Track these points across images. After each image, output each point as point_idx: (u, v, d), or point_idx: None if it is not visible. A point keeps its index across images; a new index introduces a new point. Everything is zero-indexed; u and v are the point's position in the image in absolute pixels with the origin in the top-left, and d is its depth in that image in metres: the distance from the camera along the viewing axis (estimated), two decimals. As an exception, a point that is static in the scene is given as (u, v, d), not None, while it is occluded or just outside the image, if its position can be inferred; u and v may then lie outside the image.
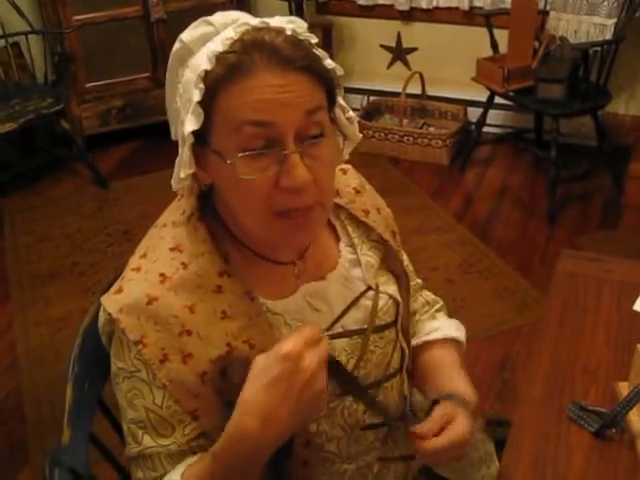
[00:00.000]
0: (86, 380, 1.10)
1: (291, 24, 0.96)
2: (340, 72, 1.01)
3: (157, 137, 4.18)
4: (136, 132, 4.16)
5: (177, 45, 0.98)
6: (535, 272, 3.06)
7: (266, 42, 0.92)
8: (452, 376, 1.22)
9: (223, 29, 0.95)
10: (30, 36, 3.73)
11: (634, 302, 1.40)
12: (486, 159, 4.03)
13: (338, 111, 1.04)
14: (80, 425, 1.05)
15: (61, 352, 2.71)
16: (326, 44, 4.26)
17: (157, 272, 0.99)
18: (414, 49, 4.33)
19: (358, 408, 1.12)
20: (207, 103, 0.93)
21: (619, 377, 1.22)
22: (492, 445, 1.38)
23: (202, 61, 0.92)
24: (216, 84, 0.92)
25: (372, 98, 4.37)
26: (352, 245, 1.16)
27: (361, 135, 1.09)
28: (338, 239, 1.16)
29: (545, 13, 3.61)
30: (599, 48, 3.36)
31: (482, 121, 3.78)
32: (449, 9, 4.13)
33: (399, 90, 4.02)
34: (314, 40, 0.98)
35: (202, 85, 0.92)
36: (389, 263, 1.20)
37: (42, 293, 3.11)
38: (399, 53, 4.39)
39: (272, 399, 0.86)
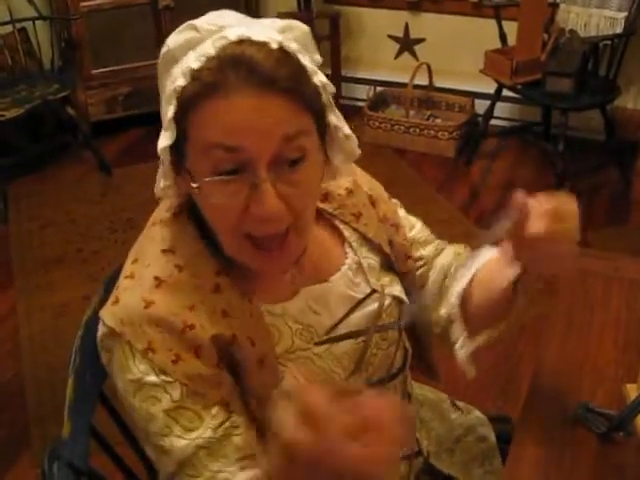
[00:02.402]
0: (87, 371, 1.08)
1: (286, 33, 0.91)
2: (331, 90, 0.95)
3: (161, 125, 4.20)
4: (141, 119, 4.12)
5: (164, 49, 0.93)
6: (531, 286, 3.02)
7: (244, 59, 0.86)
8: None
9: (208, 36, 0.89)
10: (37, 22, 3.74)
11: (643, 301, 1.39)
12: (493, 152, 4.01)
13: (332, 130, 0.98)
14: (81, 418, 1.03)
15: (63, 338, 2.70)
16: (333, 34, 4.25)
17: (151, 276, 0.95)
18: (422, 40, 4.30)
19: None
20: (180, 120, 0.89)
21: (627, 378, 1.20)
22: (494, 441, 1.37)
23: (178, 75, 0.89)
24: (188, 102, 0.88)
25: (379, 88, 4.35)
26: (352, 248, 1.13)
27: (359, 151, 1.03)
28: (342, 242, 1.13)
29: (555, 5, 3.58)
30: (609, 42, 3.34)
31: (489, 114, 3.76)
32: (458, 0, 4.10)
33: (406, 81, 4.00)
34: (309, 52, 0.93)
35: (175, 101, 0.89)
36: (388, 262, 1.17)
37: (45, 279, 3.11)
38: (407, 44, 4.36)
39: None
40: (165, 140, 0.91)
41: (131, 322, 0.92)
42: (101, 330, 0.96)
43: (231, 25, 0.90)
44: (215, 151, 0.87)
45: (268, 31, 0.89)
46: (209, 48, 0.87)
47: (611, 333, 1.33)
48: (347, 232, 1.13)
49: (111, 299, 0.97)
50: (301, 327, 1.02)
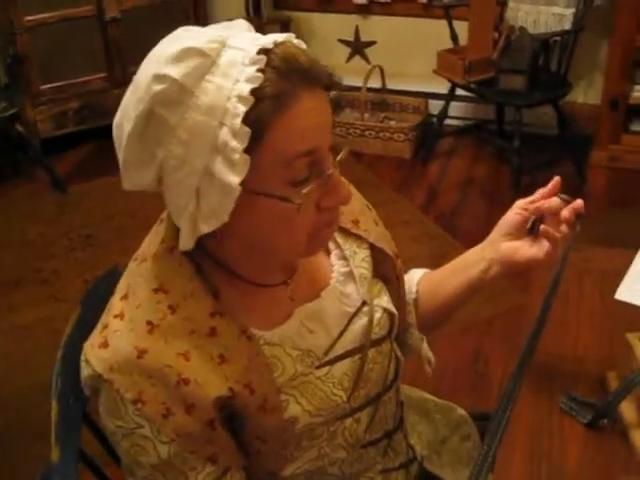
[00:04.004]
0: (70, 394, 1.05)
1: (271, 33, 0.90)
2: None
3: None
4: (93, 134, 4.06)
5: (159, 85, 0.83)
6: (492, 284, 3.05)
7: (295, 62, 0.85)
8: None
9: (216, 56, 0.84)
10: (-20, 38, 3.65)
11: (615, 291, 1.40)
12: (449, 151, 4.05)
13: None
14: (68, 442, 1.00)
15: (29, 361, 2.64)
16: (285, 40, 4.23)
17: (143, 320, 0.91)
18: (373, 42, 4.32)
19: (359, 427, 1.08)
20: (248, 146, 0.84)
21: (607, 366, 1.21)
22: (478, 439, 1.37)
23: (224, 101, 0.83)
24: (262, 123, 0.83)
25: (332, 93, 4.34)
26: (344, 257, 1.11)
27: None
28: (329, 253, 1.11)
29: (504, 4, 3.62)
30: (559, 38, 3.39)
31: (444, 113, 3.79)
32: (407, 2, 4.14)
33: (359, 84, 4.01)
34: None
35: (246, 129, 0.82)
36: (381, 269, 1.16)
37: (5, 302, 3.02)
38: (358, 47, 4.38)
39: None
40: (236, 176, 0.84)
41: (121, 371, 0.89)
42: (87, 372, 0.92)
43: (228, 36, 0.87)
44: (298, 161, 0.86)
45: (255, 35, 0.89)
46: (251, 63, 0.83)
47: (587, 323, 1.34)
48: (341, 240, 1.12)
49: (98, 338, 0.93)
50: (301, 353, 1.00)
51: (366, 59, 4.36)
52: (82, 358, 0.94)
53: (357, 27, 4.31)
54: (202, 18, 4.21)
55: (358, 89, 4.04)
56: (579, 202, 1.11)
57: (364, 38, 4.33)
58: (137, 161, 0.89)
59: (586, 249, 1.53)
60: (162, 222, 1.00)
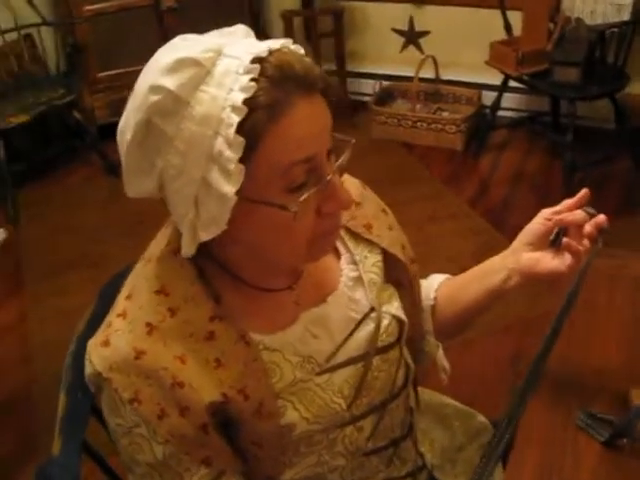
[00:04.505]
0: (79, 388, 1.06)
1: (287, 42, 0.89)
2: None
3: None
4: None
5: (154, 96, 0.83)
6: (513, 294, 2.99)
7: (289, 69, 0.84)
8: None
9: (211, 66, 0.85)
10: (42, 28, 3.75)
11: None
12: (501, 144, 3.98)
13: None
14: (73, 434, 1.02)
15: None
16: (337, 29, 4.22)
17: (143, 321, 0.92)
18: (426, 32, 4.27)
19: (360, 436, 1.08)
20: (243, 156, 0.84)
21: (631, 381, 1.17)
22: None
23: (219, 111, 0.83)
24: (256, 132, 0.83)
25: (384, 83, 4.32)
26: (354, 262, 1.10)
27: None
28: (339, 256, 1.10)
29: (560, -6, 3.53)
30: (616, 29, 3.29)
31: (497, 105, 3.73)
32: (462, -9, 4.06)
33: (412, 74, 3.97)
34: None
35: (240, 138, 0.82)
36: (394, 274, 1.15)
37: (56, 285, 3.11)
38: (411, 37, 4.33)
39: None
40: (230, 186, 0.84)
41: (119, 370, 0.90)
42: (89, 369, 0.94)
43: (224, 44, 0.87)
44: (294, 169, 0.86)
45: (252, 42, 0.89)
46: (245, 72, 0.83)
47: (615, 335, 1.30)
48: (351, 245, 1.11)
49: (101, 336, 0.95)
50: (301, 359, 1.00)
51: (420, 49, 4.32)
52: (86, 356, 0.96)
53: (411, 17, 4.26)
54: (256, 8, 4.23)
55: (411, 79, 4.00)
56: (602, 217, 1.09)
57: (418, 28, 4.28)
58: (138, 169, 0.90)
59: (620, 255, 1.48)
60: (169, 225, 1.01)
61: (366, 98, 4.34)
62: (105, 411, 0.96)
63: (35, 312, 2.96)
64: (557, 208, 1.12)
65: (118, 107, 3.97)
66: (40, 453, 2.29)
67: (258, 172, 0.85)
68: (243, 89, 0.82)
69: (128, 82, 3.99)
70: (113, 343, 0.93)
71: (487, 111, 3.89)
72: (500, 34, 3.63)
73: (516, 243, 1.16)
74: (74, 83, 3.75)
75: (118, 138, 0.91)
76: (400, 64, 4.32)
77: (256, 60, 0.84)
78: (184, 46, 0.86)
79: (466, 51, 4.11)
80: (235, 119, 0.82)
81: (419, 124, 3.98)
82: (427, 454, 1.27)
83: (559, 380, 1.20)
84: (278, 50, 0.86)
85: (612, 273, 1.43)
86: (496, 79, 3.75)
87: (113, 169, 3.85)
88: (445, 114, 4.08)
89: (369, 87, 4.32)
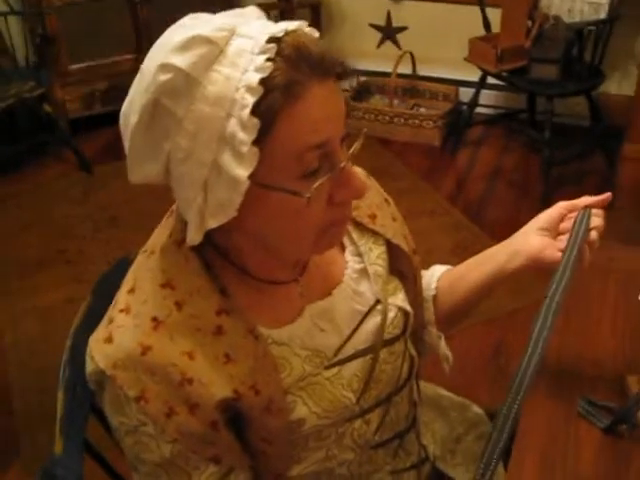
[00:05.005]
0: (77, 383, 1.03)
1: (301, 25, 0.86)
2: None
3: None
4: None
5: (164, 75, 0.79)
6: (513, 279, 3.00)
7: (306, 51, 0.81)
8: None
9: (225, 44, 0.81)
10: (10, 17, 3.65)
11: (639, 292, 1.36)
12: (478, 140, 4.00)
13: None
14: (73, 433, 0.99)
15: (51, 342, 2.65)
16: (314, 23, 4.19)
17: (149, 316, 0.89)
18: (404, 28, 4.27)
19: (368, 429, 1.06)
20: (257, 138, 0.80)
21: (628, 369, 1.18)
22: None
23: (233, 92, 0.80)
24: (271, 114, 0.79)
25: (362, 78, 4.31)
26: (359, 254, 1.08)
27: None
28: (343, 249, 1.08)
29: (538, -9, 3.55)
30: (594, 27, 3.31)
31: (474, 102, 3.74)
32: (440, -13, 4.07)
33: (389, 70, 3.97)
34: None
35: (255, 120, 0.79)
36: (397, 265, 1.13)
37: (29, 282, 3.04)
38: (389, 32, 4.33)
39: None
40: (244, 169, 0.81)
41: (125, 367, 0.87)
42: (91, 367, 0.90)
43: (237, 24, 0.84)
44: (308, 154, 0.82)
45: (265, 23, 0.86)
46: (261, 52, 0.80)
47: (609, 324, 1.30)
48: (356, 236, 1.09)
49: (103, 333, 0.91)
50: (310, 353, 0.98)
51: (397, 45, 4.31)
52: (87, 353, 0.92)
53: (389, 12, 4.26)
54: (232, 1, 4.19)
55: (388, 75, 3.99)
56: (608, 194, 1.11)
57: (396, 23, 4.28)
58: (143, 153, 0.86)
59: (610, 247, 1.48)
60: (171, 214, 0.98)
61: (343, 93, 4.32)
62: (107, 410, 0.92)
63: (6, 311, 2.89)
64: (575, 202, 1.11)
65: (89, 101, 3.92)
66: (22, 453, 2.25)
67: (271, 156, 0.82)
68: (259, 69, 0.79)
69: (100, 74, 3.96)
70: (117, 339, 0.89)
71: (464, 107, 3.89)
72: (478, 31, 3.64)
73: (529, 225, 1.15)
74: (44, 75, 3.65)
75: (121, 122, 0.87)
76: (377, 59, 4.31)
77: (272, 40, 0.81)
78: (195, 25, 0.83)
79: (444, 47, 4.12)
80: (250, 100, 0.79)
81: (396, 120, 3.97)
82: (429, 446, 1.26)
83: (559, 370, 1.20)
84: (294, 31, 0.83)
85: (603, 265, 1.43)
86: (473, 75, 3.76)
87: (86, 165, 3.79)
88: (422, 110, 4.08)
89: (346, 82, 4.30)
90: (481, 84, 3.67)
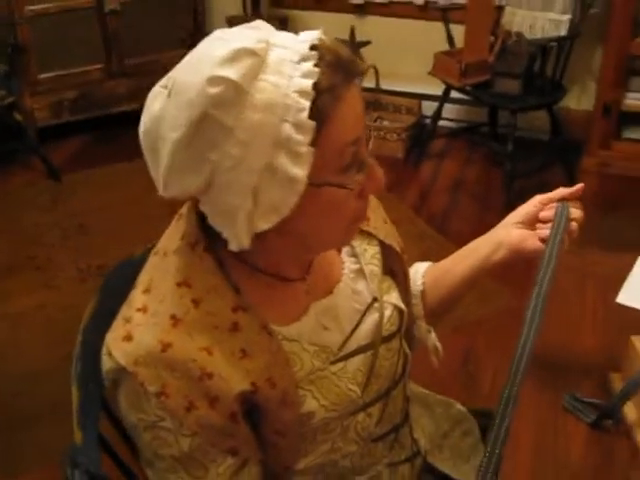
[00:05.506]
0: (89, 378, 1.06)
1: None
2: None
3: (110, 129, 4.13)
4: (89, 124, 4.09)
5: (215, 88, 0.83)
6: (495, 271, 3.08)
7: (339, 56, 0.89)
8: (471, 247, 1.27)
9: (265, 56, 0.86)
10: (-19, 27, 3.63)
11: (616, 294, 1.43)
12: (441, 153, 4.09)
13: None
14: (89, 425, 1.02)
15: (22, 348, 2.66)
16: (282, 37, 4.24)
17: (167, 314, 0.93)
18: (368, 42, 4.33)
19: (370, 422, 1.12)
20: (312, 139, 0.86)
21: (610, 368, 1.24)
22: (479, 435, 1.40)
23: (282, 98, 0.84)
24: (322, 115, 0.86)
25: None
26: (355, 255, 1.14)
27: None
28: (340, 249, 1.14)
29: (500, 8, 3.66)
30: (555, 44, 3.43)
31: (437, 115, 3.82)
32: (404, 3, 4.16)
33: (354, 83, 4.02)
34: None
35: (311, 122, 0.85)
36: (390, 265, 1.19)
37: (-1, 288, 3.03)
38: (352, 47, 4.39)
39: None
40: (302, 169, 0.86)
41: (146, 364, 0.90)
42: (109, 364, 0.94)
43: (268, 36, 0.89)
44: (346, 150, 0.89)
45: (288, 34, 0.92)
46: (303, 60, 0.86)
47: (590, 326, 1.37)
48: None
49: (121, 332, 0.94)
50: (317, 349, 1.03)
51: (361, 59, 4.38)
52: (104, 351, 0.95)
53: (352, 27, 4.33)
54: (200, 13, 4.22)
55: (353, 88, 4.04)
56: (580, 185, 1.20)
57: (359, 38, 4.35)
58: (185, 167, 0.88)
59: (584, 252, 1.56)
60: (181, 218, 1.01)
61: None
62: (124, 406, 0.95)
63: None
64: (551, 195, 1.18)
65: (58, 109, 3.90)
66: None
67: (322, 154, 0.87)
68: (307, 74, 0.85)
69: (69, 84, 3.95)
70: (137, 337, 0.92)
71: (427, 121, 3.98)
72: (441, 46, 3.74)
73: (507, 219, 1.22)
74: (14, 84, 3.66)
75: (145, 141, 0.91)
76: (342, 73, 4.36)
77: (312, 47, 0.87)
78: (232, 38, 0.87)
79: (407, 62, 4.21)
80: (306, 104, 0.84)
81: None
82: (420, 440, 1.31)
83: (545, 369, 1.25)
84: (324, 39, 0.90)
85: (581, 270, 1.51)
86: (436, 89, 3.85)
87: (54, 173, 3.78)
88: (386, 123, 4.15)
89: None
90: (444, 98, 3.76)
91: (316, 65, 0.86)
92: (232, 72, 0.83)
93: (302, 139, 0.85)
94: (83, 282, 2.97)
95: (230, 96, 0.83)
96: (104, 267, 2.89)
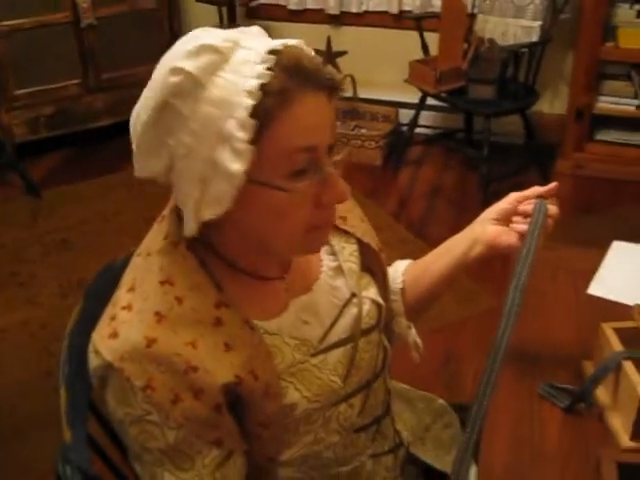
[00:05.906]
0: (76, 380, 1.09)
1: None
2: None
3: (88, 144, 4.16)
4: (67, 140, 4.11)
5: (175, 77, 0.89)
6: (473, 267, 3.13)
7: (302, 64, 0.91)
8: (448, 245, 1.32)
9: (230, 54, 0.91)
10: (-44, 42, 3.64)
11: (587, 286, 1.48)
12: (419, 159, 4.13)
13: None
14: (77, 425, 1.04)
15: (4, 365, 2.66)
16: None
17: (151, 311, 0.95)
18: (344, 52, 4.39)
19: (352, 412, 1.14)
20: (253, 138, 0.90)
21: (583, 356, 1.28)
22: (459, 427, 1.43)
23: (234, 95, 0.88)
24: (267, 116, 0.89)
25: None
26: (333, 253, 1.17)
27: None
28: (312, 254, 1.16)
29: (473, 16, 3.73)
30: (526, 49, 3.50)
31: (414, 122, 3.87)
32: (379, 13, 4.22)
33: (331, 93, 4.06)
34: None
35: (253, 121, 0.88)
36: (368, 262, 1.22)
37: (-20, 306, 3.03)
38: (329, 56, 4.44)
39: None
40: (239, 164, 0.89)
41: (132, 359, 0.93)
42: (96, 361, 0.96)
43: (241, 38, 0.93)
44: (296, 155, 0.91)
45: (266, 39, 0.96)
46: (261, 62, 0.89)
47: (563, 317, 1.42)
48: (330, 236, 1.16)
49: (107, 330, 0.97)
50: (298, 342, 1.06)
51: (338, 68, 4.43)
52: (91, 349, 0.97)
53: (329, 37, 4.38)
54: (176, 27, 4.25)
55: (330, 98, 4.09)
56: (554, 184, 1.22)
57: (336, 48, 4.40)
58: (149, 149, 0.94)
59: (558, 249, 1.60)
60: (163, 219, 1.05)
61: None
62: (112, 403, 0.97)
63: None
64: (526, 193, 1.22)
65: (35, 125, 3.91)
66: None
67: (264, 154, 0.91)
68: (259, 76, 0.89)
69: (46, 99, 3.96)
70: (122, 334, 0.95)
71: (404, 128, 4.03)
72: (416, 54, 3.79)
73: (483, 216, 1.26)
74: (-9, 101, 3.67)
75: (132, 121, 0.96)
76: (319, 83, 4.41)
77: (272, 52, 0.91)
78: (205, 35, 0.92)
79: (383, 70, 4.26)
80: (250, 103, 0.88)
81: (339, 140, 4.07)
82: (403, 432, 1.34)
83: (521, 359, 1.30)
84: (293, 46, 0.93)
85: (554, 264, 1.55)
86: (412, 97, 3.90)
87: (33, 189, 3.78)
88: (363, 131, 4.20)
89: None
90: (421, 105, 3.81)
91: (270, 68, 0.89)
92: (191, 65, 0.88)
93: (242, 136, 0.89)
94: (64, 298, 2.98)
95: (187, 87, 0.89)
96: (84, 281, 2.88)
